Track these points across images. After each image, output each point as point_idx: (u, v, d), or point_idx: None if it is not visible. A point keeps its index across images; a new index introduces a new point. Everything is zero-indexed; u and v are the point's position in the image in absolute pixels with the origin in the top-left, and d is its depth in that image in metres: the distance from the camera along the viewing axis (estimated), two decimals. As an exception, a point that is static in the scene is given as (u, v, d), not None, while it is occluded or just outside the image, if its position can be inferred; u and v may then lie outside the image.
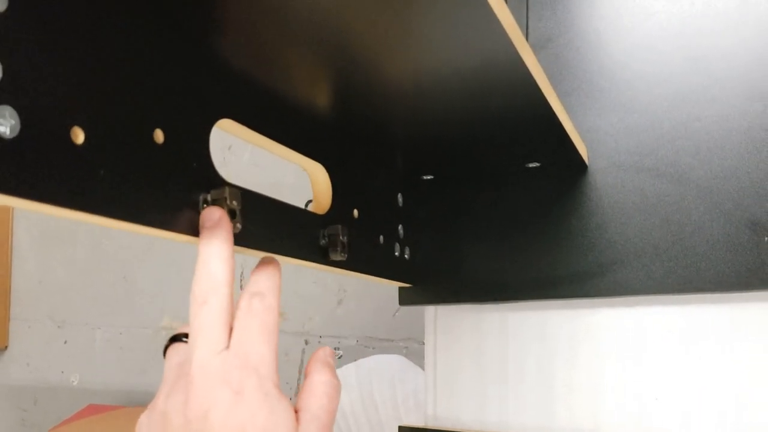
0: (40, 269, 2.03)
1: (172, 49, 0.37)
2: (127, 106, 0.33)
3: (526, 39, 0.68)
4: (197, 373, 0.37)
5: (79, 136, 0.30)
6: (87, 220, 0.31)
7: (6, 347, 2.05)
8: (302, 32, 0.39)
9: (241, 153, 1.74)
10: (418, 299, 0.68)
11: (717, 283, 0.58)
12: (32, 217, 2.06)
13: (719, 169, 0.59)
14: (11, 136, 0.27)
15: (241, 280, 1.67)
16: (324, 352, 0.44)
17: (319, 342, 1.61)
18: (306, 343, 1.63)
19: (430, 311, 0.71)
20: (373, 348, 1.55)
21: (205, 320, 0.38)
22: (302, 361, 1.62)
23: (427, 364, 0.70)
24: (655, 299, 0.60)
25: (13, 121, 0.28)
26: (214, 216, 0.38)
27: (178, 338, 0.42)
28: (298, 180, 1.61)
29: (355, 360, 1.10)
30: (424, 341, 0.72)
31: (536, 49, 0.67)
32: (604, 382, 0.62)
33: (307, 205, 0.51)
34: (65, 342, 1.97)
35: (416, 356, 1.40)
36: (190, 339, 0.38)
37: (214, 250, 0.38)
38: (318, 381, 0.42)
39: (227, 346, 0.38)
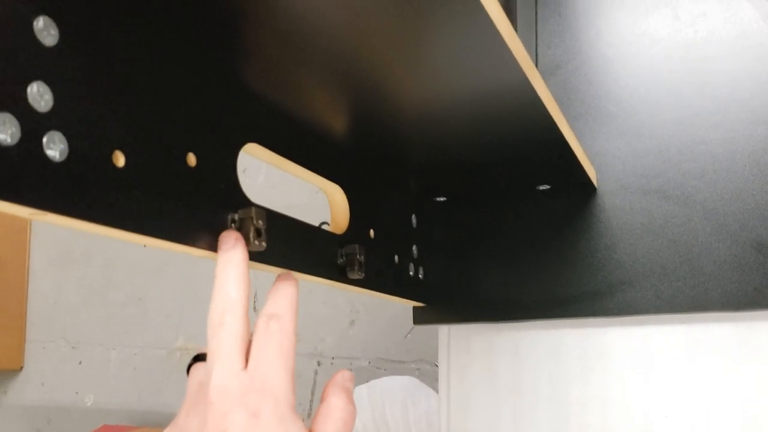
0: (55, 291, 2.06)
1: (204, 79, 0.39)
2: (163, 132, 0.36)
3: (536, 66, 0.70)
4: (214, 395, 0.37)
5: (120, 159, 0.33)
6: (126, 238, 0.34)
7: (21, 368, 2.07)
8: (321, 62, 0.41)
9: (256, 175, 1.77)
10: (432, 318, 0.69)
11: (724, 303, 0.59)
12: (48, 240, 2.09)
13: (725, 191, 0.61)
14: (60, 160, 0.30)
15: (254, 302, 1.69)
16: (342, 377, 0.44)
17: (332, 363, 1.63)
18: (318, 364, 1.65)
19: (444, 331, 0.73)
20: (385, 369, 1.56)
21: (222, 341, 0.38)
22: (314, 382, 1.64)
23: (441, 383, 0.72)
24: (663, 318, 0.62)
25: (62, 146, 0.30)
26: (230, 239, 0.39)
27: (200, 357, 0.43)
28: (310, 201, 1.64)
29: (367, 381, 1.12)
30: (438, 361, 0.73)
31: (546, 75, 0.70)
32: (616, 399, 0.63)
33: (321, 226, 0.53)
34: (80, 362, 1.98)
35: (428, 378, 1.41)
36: (208, 360, 0.39)
37: (231, 273, 0.39)
38: (335, 405, 0.42)
39: (244, 368, 0.38)
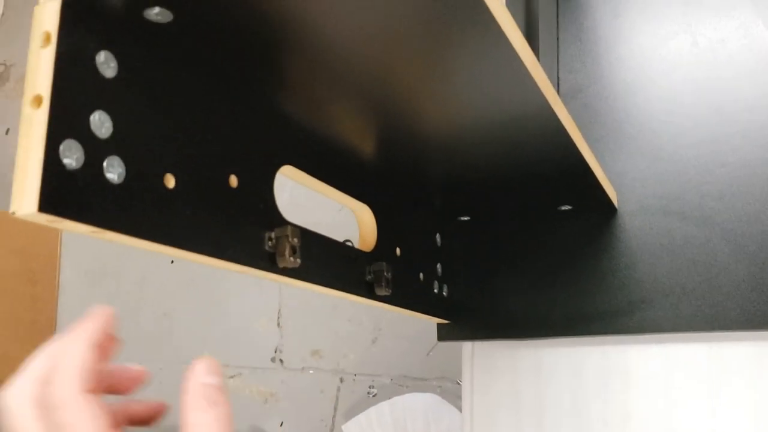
0: (84, 306, 2.09)
1: (245, 106, 0.42)
2: (208, 156, 0.38)
3: (558, 89, 0.73)
4: None
5: (170, 181, 0.35)
6: (174, 254, 0.36)
7: (49, 381, 2.10)
8: (353, 89, 0.44)
9: (281, 193, 1.80)
10: (456, 335, 0.71)
11: (743, 322, 0.61)
12: (78, 255, 2.14)
13: (743, 212, 0.62)
14: (118, 182, 0.32)
15: (278, 318, 1.72)
16: (199, 373, 0.35)
17: (354, 380, 1.64)
18: (341, 380, 1.67)
19: (467, 348, 0.74)
20: (407, 387, 1.58)
21: None
22: (337, 398, 1.65)
23: (464, 400, 0.74)
24: (683, 336, 0.63)
25: (120, 170, 0.32)
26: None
27: None
28: (334, 220, 1.66)
29: (390, 398, 1.13)
30: (461, 378, 0.75)
31: (567, 98, 0.72)
32: (638, 416, 0.65)
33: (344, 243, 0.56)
34: (106, 377, 2.01)
35: (450, 395, 1.42)
36: None
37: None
38: (192, 423, 0.34)
39: None
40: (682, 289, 0.63)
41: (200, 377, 0.35)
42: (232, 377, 1.77)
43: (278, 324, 1.73)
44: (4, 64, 2.38)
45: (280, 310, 1.71)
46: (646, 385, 0.65)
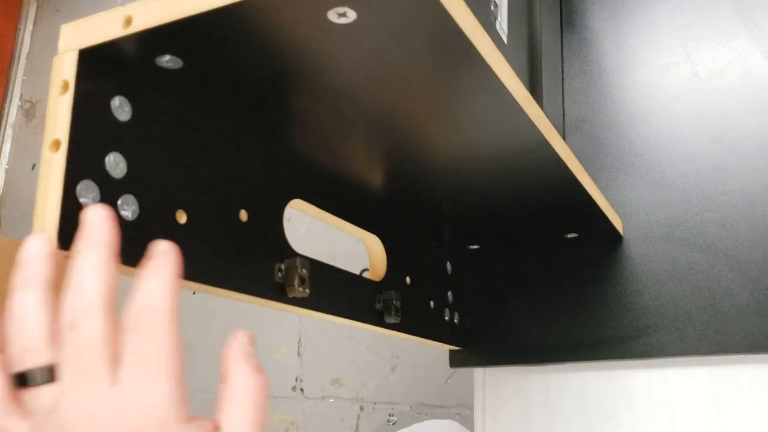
0: (108, 336, 2.12)
1: (254, 143, 0.44)
2: (219, 192, 0.41)
3: (563, 120, 0.74)
4: (75, 425, 0.28)
5: (182, 217, 0.38)
6: (187, 286, 0.38)
7: (73, 412, 2.12)
8: (361, 126, 0.46)
9: (299, 225, 1.82)
10: (467, 361, 0.73)
11: (747, 346, 0.61)
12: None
13: (745, 239, 0.64)
14: (132, 219, 0.35)
15: (298, 348, 1.73)
16: (240, 342, 0.35)
17: (374, 408, 1.65)
18: (361, 409, 1.67)
19: (479, 374, 0.76)
20: (426, 414, 1.58)
21: (79, 349, 0.29)
22: (357, 426, 1.66)
23: (477, 424, 0.75)
24: (688, 361, 0.64)
25: (134, 207, 0.35)
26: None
27: (29, 377, 0.30)
28: (351, 249, 1.68)
29: (409, 426, 1.14)
30: (474, 403, 0.76)
31: (572, 129, 0.73)
32: (644, 440, 0.65)
33: (362, 273, 0.58)
34: (129, 407, 2.03)
35: (468, 422, 1.42)
36: (61, 376, 0.29)
37: (87, 262, 0.30)
38: (240, 387, 0.33)
39: (113, 385, 0.29)
40: (686, 314, 0.64)
41: (245, 345, 0.35)
42: (252, 406, 1.78)
43: (298, 353, 1.74)
44: (30, 101, 2.44)
45: (300, 340, 1.73)
46: (653, 409, 0.65)
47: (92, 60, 0.34)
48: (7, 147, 2.40)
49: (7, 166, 2.39)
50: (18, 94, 2.46)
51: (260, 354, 0.39)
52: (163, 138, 0.37)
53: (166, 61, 0.35)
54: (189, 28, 0.32)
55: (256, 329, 1.94)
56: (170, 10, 0.31)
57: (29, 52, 2.51)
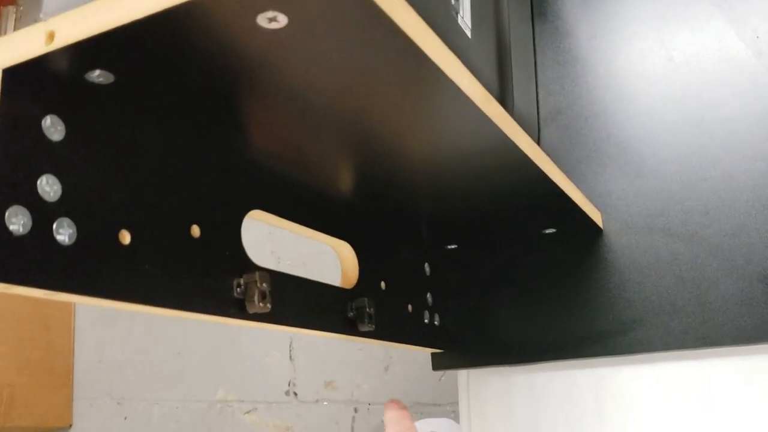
0: (100, 349, 2.11)
1: (203, 153, 0.43)
2: (166, 208, 0.39)
3: (537, 113, 0.73)
4: None
5: (126, 237, 0.36)
6: (137, 310, 0.36)
7: (70, 425, 2.11)
8: (317, 130, 0.44)
9: (277, 229, 1.81)
10: (450, 364, 0.71)
11: (734, 337, 0.60)
12: (91, 298, 2.15)
13: (729, 226, 0.62)
14: (69, 243, 0.33)
15: (290, 352, 1.71)
16: (403, 413, 0.38)
17: (368, 409, 1.64)
18: (355, 410, 1.66)
19: (463, 375, 0.74)
20: (422, 413, 1.57)
21: None
22: (352, 428, 1.65)
23: (462, 426, 0.73)
24: (674, 355, 0.63)
25: (71, 231, 0.33)
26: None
27: None
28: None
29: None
30: (459, 404, 0.74)
31: (547, 121, 0.72)
32: (634, 437, 0.64)
33: None
34: (125, 418, 2.02)
35: (464, 419, 1.41)
36: None
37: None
38: None
39: None
40: (671, 306, 0.62)
41: (404, 417, 0.36)
42: (247, 413, 1.76)
43: (290, 357, 1.73)
44: None
45: (291, 344, 1.71)
46: (640, 405, 0.64)
47: (18, 79, 0.32)
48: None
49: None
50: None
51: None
52: (100, 156, 0.35)
53: (96, 76, 0.33)
54: (115, 40, 0.30)
55: (247, 336, 1.94)
56: (93, 22, 0.29)
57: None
